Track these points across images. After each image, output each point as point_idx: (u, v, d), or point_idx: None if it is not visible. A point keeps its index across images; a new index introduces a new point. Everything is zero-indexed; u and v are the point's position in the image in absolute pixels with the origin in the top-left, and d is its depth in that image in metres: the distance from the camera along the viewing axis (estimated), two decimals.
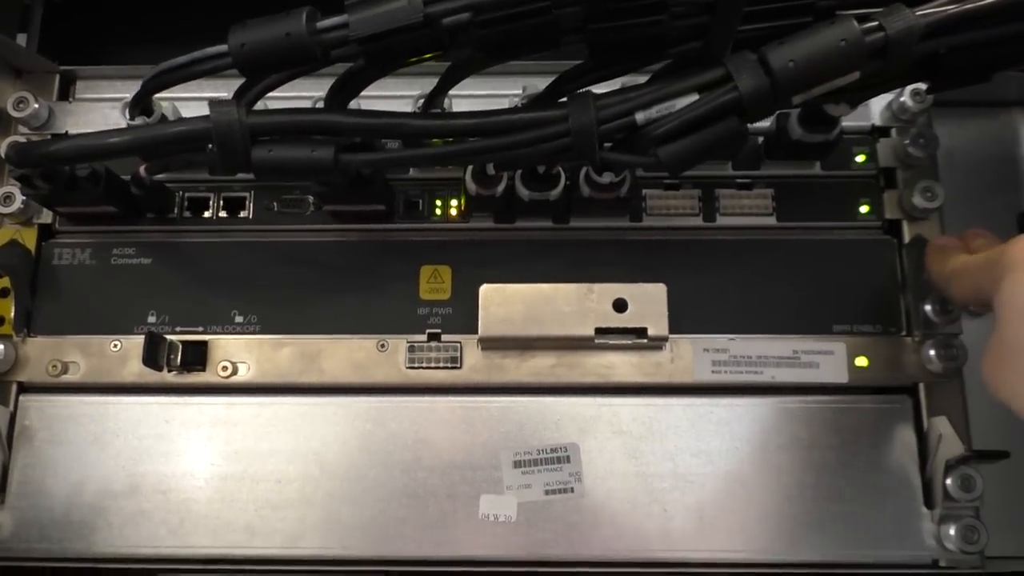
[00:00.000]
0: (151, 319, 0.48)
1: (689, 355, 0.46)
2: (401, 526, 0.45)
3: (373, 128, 0.39)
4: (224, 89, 0.47)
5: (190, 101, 0.49)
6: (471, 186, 0.46)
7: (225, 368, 0.47)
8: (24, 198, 0.48)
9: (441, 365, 0.46)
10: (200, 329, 0.48)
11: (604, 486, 0.45)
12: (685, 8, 0.35)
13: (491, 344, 0.46)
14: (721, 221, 0.49)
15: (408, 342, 0.47)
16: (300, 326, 0.47)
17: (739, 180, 0.49)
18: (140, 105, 0.44)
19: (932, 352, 0.45)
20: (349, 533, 0.45)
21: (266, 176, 0.39)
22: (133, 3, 0.57)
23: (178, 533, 0.45)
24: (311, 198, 0.49)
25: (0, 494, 0.46)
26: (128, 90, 0.48)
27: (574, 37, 0.36)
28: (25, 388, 0.48)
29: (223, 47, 0.36)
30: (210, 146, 0.38)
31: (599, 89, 0.38)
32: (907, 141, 0.48)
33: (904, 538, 0.44)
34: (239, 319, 0.48)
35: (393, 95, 0.47)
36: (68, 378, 0.47)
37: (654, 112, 0.36)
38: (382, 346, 0.47)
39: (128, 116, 0.45)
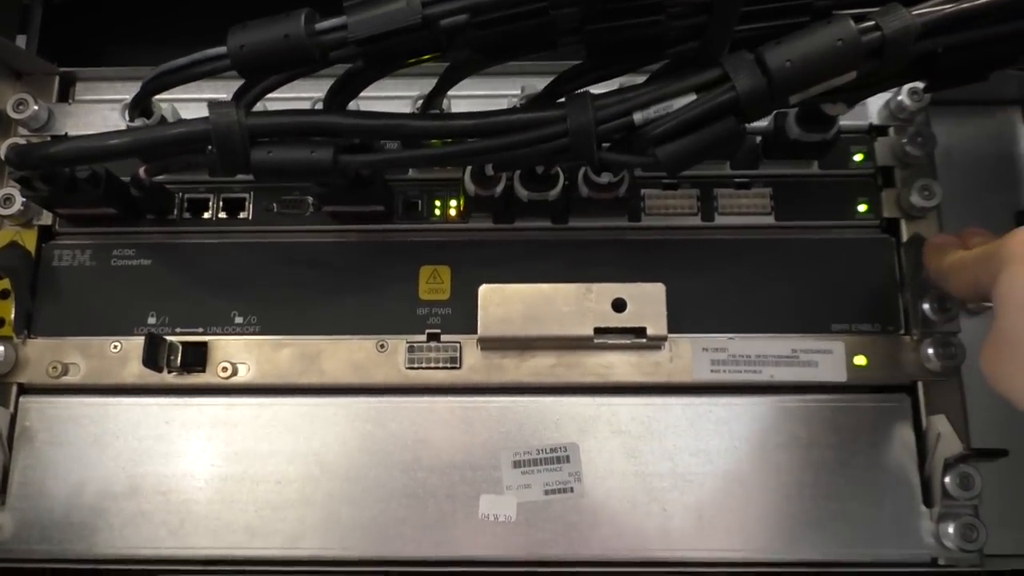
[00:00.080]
0: (151, 320, 0.48)
1: (688, 354, 0.46)
2: (401, 526, 0.45)
3: (372, 129, 0.39)
4: (224, 90, 0.47)
5: (190, 102, 0.49)
6: (470, 186, 0.46)
7: (225, 369, 0.47)
8: (24, 200, 0.48)
9: (440, 365, 0.46)
10: (200, 330, 0.48)
11: (603, 486, 0.45)
12: (682, 8, 0.35)
13: (490, 344, 0.46)
14: (719, 220, 0.49)
15: (408, 342, 0.47)
16: (300, 327, 0.48)
17: (737, 180, 0.49)
18: (140, 107, 0.45)
19: (931, 351, 0.46)
20: (349, 533, 0.45)
21: (265, 177, 0.40)
22: (132, 5, 0.57)
23: (178, 534, 0.45)
24: (310, 199, 0.49)
25: (0, 495, 0.46)
26: (127, 92, 0.48)
27: (572, 38, 0.37)
28: (25, 389, 0.48)
29: (222, 49, 0.36)
30: (210, 147, 0.39)
31: (597, 89, 0.38)
32: (905, 140, 0.48)
33: (903, 536, 0.44)
34: (239, 320, 0.48)
35: (392, 96, 0.47)
36: (68, 379, 0.47)
37: (652, 112, 0.36)
38: (382, 346, 0.47)
39: (128, 118, 0.45)
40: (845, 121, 0.47)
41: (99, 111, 0.52)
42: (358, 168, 0.40)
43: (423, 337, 0.47)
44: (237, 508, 0.45)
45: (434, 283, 0.48)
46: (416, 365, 0.47)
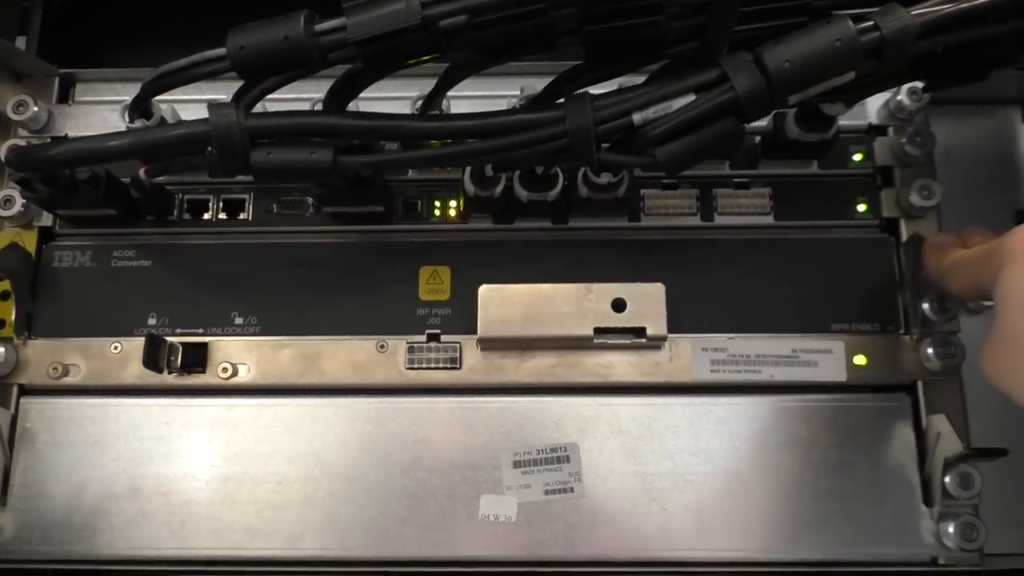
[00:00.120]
0: (151, 321, 0.48)
1: (688, 354, 0.46)
2: (401, 526, 0.45)
3: (372, 130, 0.39)
4: (223, 92, 0.47)
5: (189, 103, 0.49)
6: (470, 187, 0.46)
7: (225, 370, 0.47)
8: (24, 201, 0.48)
9: (441, 366, 0.47)
10: (200, 331, 0.48)
11: (604, 486, 0.45)
12: (681, 9, 0.35)
13: (490, 344, 0.46)
14: (719, 220, 0.49)
15: (408, 343, 0.47)
16: (300, 327, 0.48)
17: (736, 180, 0.49)
18: (139, 108, 0.45)
19: (930, 350, 0.46)
20: (349, 534, 0.45)
21: (265, 178, 0.40)
22: (132, 6, 0.57)
23: (179, 535, 0.45)
24: (310, 200, 0.49)
25: (1, 496, 0.46)
26: (127, 93, 0.48)
27: (571, 38, 0.37)
28: (26, 390, 0.48)
29: (222, 50, 0.36)
30: (209, 149, 0.39)
31: (596, 90, 0.38)
32: (904, 139, 0.48)
33: (903, 536, 0.44)
34: (239, 321, 0.48)
35: (391, 97, 0.47)
36: (69, 380, 0.47)
37: (651, 113, 0.36)
38: (382, 347, 0.47)
39: (128, 119, 0.45)
40: (844, 121, 0.48)
41: (99, 112, 0.52)
42: (358, 169, 0.40)
43: (423, 337, 0.47)
44: (238, 509, 0.45)
45: (434, 283, 0.48)
46: (416, 365, 0.47)
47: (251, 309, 0.48)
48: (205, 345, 0.47)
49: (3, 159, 0.48)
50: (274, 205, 0.50)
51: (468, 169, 0.46)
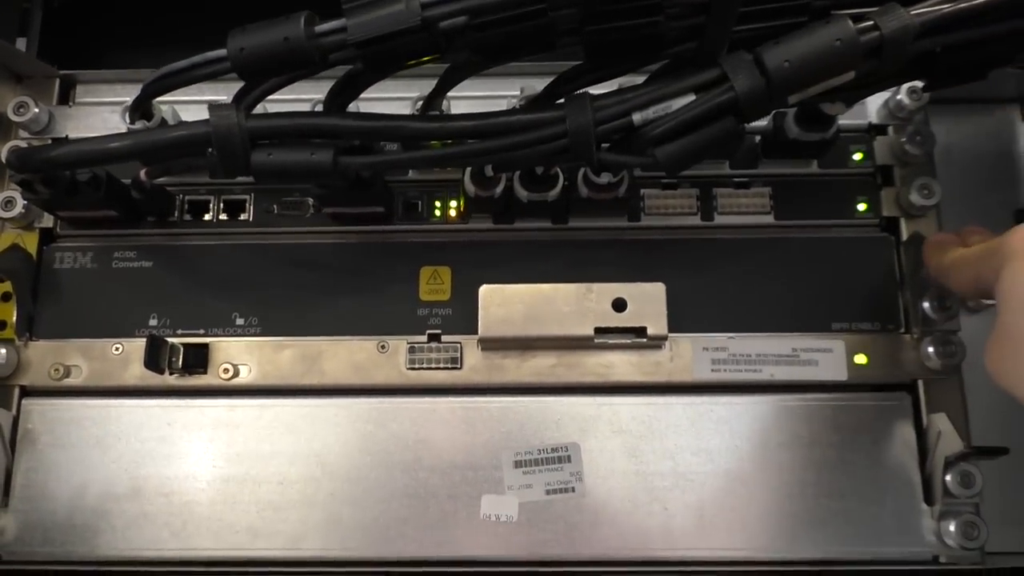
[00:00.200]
0: (152, 322, 0.48)
1: (688, 354, 0.46)
2: (402, 527, 0.45)
3: (372, 131, 0.39)
4: (224, 92, 0.47)
5: (190, 105, 0.49)
6: (470, 187, 0.46)
7: (226, 370, 0.47)
8: (25, 203, 0.49)
9: (441, 366, 0.47)
10: (201, 332, 0.48)
11: (605, 485, 0.45)
12: (681, 9, 0.35)
13: (491, 344, 0.46)
14: (719, 220, 0.49)
15: (408, 343, 0.47)
16: (301, 328, 0.48)
17: (736, 179, 0.50)
18: (140, 109, 0.45)
19: (931, 349, 0.46)
20: (351, 534, 0.45)
21: (266, 179, 0.40)
22: (132, 8, 0.58)
23: (181, 535, 0.45)
24: (311, 200, 0.49)
25: (3, 498, 0.46)
26: (128, 94, 0.48)
27: (571, 39, 0.37)
28: (27, 392, 0.48)
29: (222, 51, 0.36)
30: (210, 150, 0.39)
31: (596, 90, 0.38)
32: (904, 139, 0.48)
33: (904, 534, 0.44)
34: (240, 321, 0.48)
35: (391, 97, 0.47)
36: (70, 382, 0.47)
37: (651, 113, 0.36)
38: (382, 347, 0.47)
39: (128, 120, 0.45)
40: (844, 120, 0.48)
41: (100, 114, 0.52)
42: (358, 169, 0.40)
43: (424, 338, 0.47)
44: (239, 509, 0.45)
45: (434, 284, 0.48)
46: (417, 366, 0.47)
47: (252, 310, 0.48)
48: (206, 346, 0.47)
49: (4, 161, 0.48)
50: (275, 206, 0.50)
51: (468, 169, 0.46)
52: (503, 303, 0.45)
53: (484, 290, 0.45)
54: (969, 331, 0.46)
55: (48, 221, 0.50)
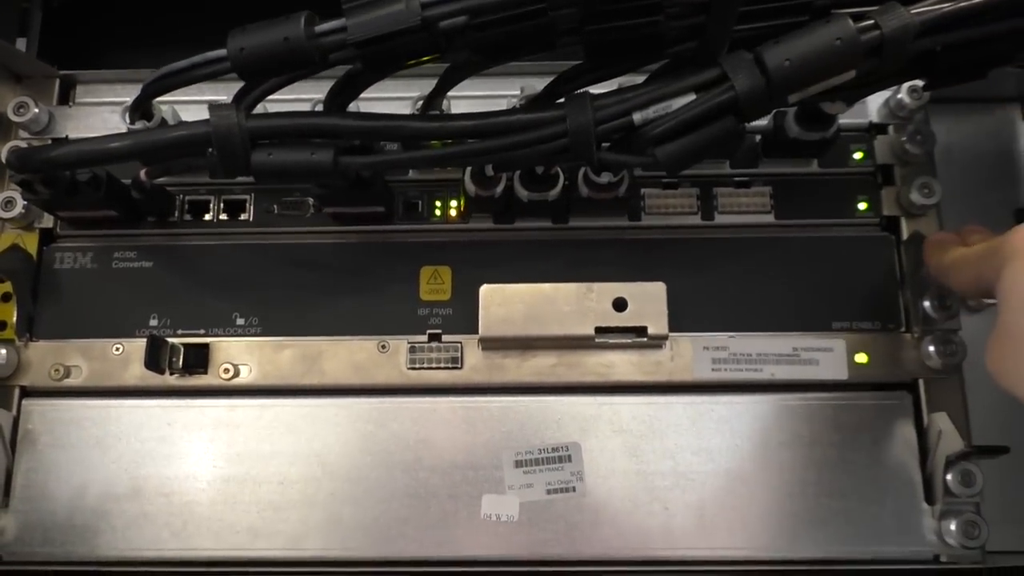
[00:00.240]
0: (153, 322, 0.48)
1: (689, 353, 0.46)
2: (403, 526, 0.45)
3: (372, 130, 0.39)
4: (224, 92, 0.47)
5: (190, 104, 0.49)
6: (470, 187, 0.46)
7: (227, 370, 0.47)
8: (25, 203, 0.48)
9: (442, 365, 0.47)
10: (201, 332, 0.48)
11: (605, 485, 0.45)
12: (681, 9, 0.35)
13: (492, 344, 0.46)
14: (719, 219, 0.49)
15: (409, 343, 0.47)
16: (301, 328, 0.48)
17: (737, 179, 0.49)
18: (140, 109, 0.45)
19: (931, 348, 0.46)
20: (351, 534, 0.45)
21: (266, 179, 0.40)
22: (132, 8, 0.57)
23: (181, 536, 0.45)
24: (311, 200, 0.49)
25: (3, 498, 0.46)
26: (128, 94, 0.48)
27: (571, 39, 0.37)
28: (27, 392, 0.48)
29: (222, 51, 0.36)
30: (210, 150, 0.39)
31: (596, 90, 0.38)
32: (904, 138, 0.48)
33: (905, 534, 0.44)
34: (240, 321, 0.48)
35: (392, 97, 0.47)
36: (70, 382, 0.47)
37: (651, 112, 0.36)
38: (383, 347, 0.47)
39: (128, 120, 0.45)
40: (844, 119, 0.48)
41: (99, 114, 0.52)
42: (358, 169, 0.40)
43: (424, 337, 0.47)
44: (239, 509, 0.45)
45: (435, 283, 0.48)
46: (417, 365, 0.47)
47: (252, 310, 0.48)
48: (206, 346, 0.47)
49: (4, 161, 0.48)
50: (275, 206, 0.50)
51: (468, 169, 0.46)
52: (503, 303, 0.45)
53: (484, 290, 0.45)
54: (970, 330, 0.46)
55: (48, 221, 0.50)
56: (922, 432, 0.45)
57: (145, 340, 0.45)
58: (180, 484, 0.46)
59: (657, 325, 0.44)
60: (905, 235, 0.48)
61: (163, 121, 0.47)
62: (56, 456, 0.46)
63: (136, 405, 0.47)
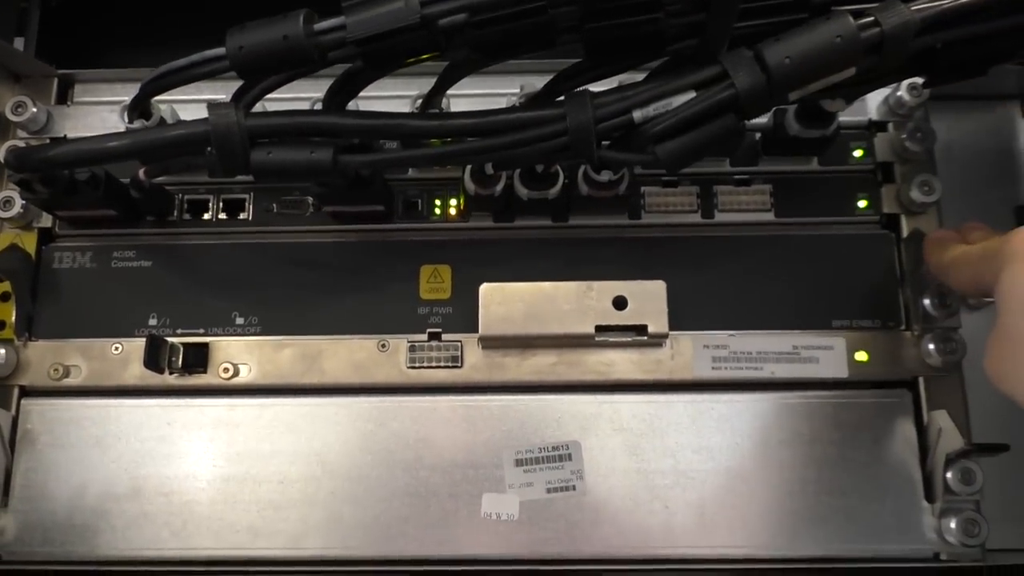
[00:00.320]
0: (152, 322, 0.48)
1: (689, 351, 0.46)
2: (403, 525, 0.45)
3: (371, 129, 0.39)
4: (223, 91, 0.47)
5: (189, 103, 0.49)
6: (470, 186, 0.46)
7: (226, 370, 0.47)
8: (24, 202, 0.48)
9: (442, 364, 0.46)
10: (201, 331, 0.48)
11: (606, 483, 0.45)
12: (681, 6, 0.35)
13: (492, 343, 0.46)
14: (720, 218, 0.49)
15: (409, 342, 0.47)
16: (301, 327, 0.48)
17: (737, 176, 0.49)
18: (139, 108, 0.44)
19: (931, 346, 0.46)
20: (351, 533, 0.45)
21: (265, 178, 0.40)
22: (130, 6, 0.57)
23: (181, 535, 0.45)
24: (310, 199, 0.49)
25: (3, 498, 0.46)
26: (126, 93, 0.48)
27: (570, 36, 0.36)
28: (27, 392, 0.48)
29: (221, 50, 0.36)
30: (209, 149, 0.38)
31: (596, 87, 0.38)
32: (904, 135, 0.48)
33: (905, 532, 0.44)
34: (240, 321, 0.48)
35: (391, 95, 0.47)
36: (70, 381, 0.47)
37: (651, 110, 0.36)
38: (383, 346, 0.47)
39: (127, 119, 0.45)
40: (844, 117, 0.48)
41: (98, 113, 0.52)
42: (358, 168, 0.40)
43: (424, 336, 0.47)
44: (239, 509, 0.45)
45: (435, 282, 0.48)
46: (417, 364, 0.47)
47: (252, 309, 0.48)
48: (206, 345, 0.47)
49: (2, 160, 0.48)
50: (274, 205, 0.50)
51: (468, 168, 0.46)
52: (503, 301, 0.45)
53: (484, 288, 0.45)
54: (970, 328, 0.46)
55: (47, 221, 0.50)
56: (922, 430, 0.45)
57: (144, 339, 0.45)
58: (180, 483, 0.46)
59: (657, 323, 0.44)
60: (905, 233, 0.48)
61: (162, 120, 0.47)
62: (56, 456, 0.46)
63: (136, 405, 0.47)
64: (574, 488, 0.45)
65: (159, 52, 0.39)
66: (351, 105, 0.41)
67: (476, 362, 0.46)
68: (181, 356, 0.46)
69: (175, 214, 0.50)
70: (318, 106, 0.45)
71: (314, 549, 0.45)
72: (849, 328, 0.47)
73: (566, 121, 0.36)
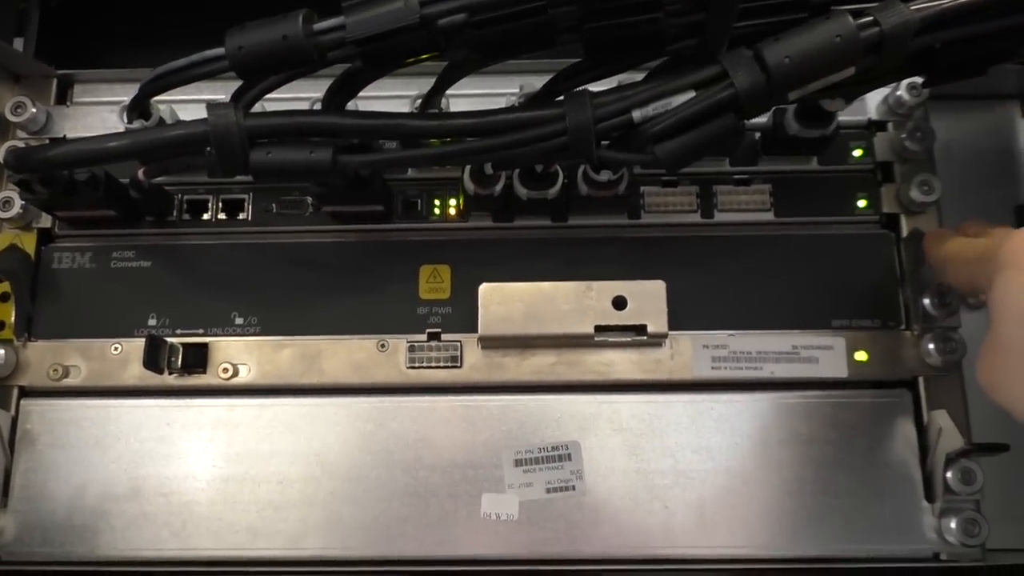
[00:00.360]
0: (151, 322, 0.48)
1: (688, 351, 0.46)
2: (403, 525, 0.45)
3: (371, 129, 0.39)
4: (222, 91, 0.47)
5: (188, 103, 0.49)
6: (469, 186, 0.46)
7: (226, 370, 0.47)
8: (23, 203, 0.48)
9: (441, 364, 0.46)
10: (200, 331, 0.48)
11: (605, 483, 0.45)
12: (680, 6, 0.35)
13: (491, 343, 0.46)
14: (719, 217, 0.49)
15: (408, 342, 0.47)
16: (300, 327, 0.48)
17: (736, 176, 0.49)
18: (138, 108, 0.44)
19: (931, 346, 0.46)
20: (351, 533, 0.45)
21: (265, 178, 0.40)
22: (130, 7, 0.57)
23: (180, 536, 0.45)
24: (310, 199, 0.49)
25: (2, 498, 0.46)
26: (126, 93, 0.48)
27: (570, 36, 0.36)
28: (26, 392, 0.48)
29: (220, 50, 0.36)
30: (208, 149, 0.38)
31: (596, 87, 0.38)
32: (904, 135, 0.48)
33: (905, 532, 0.44)
34: (239, 321, 0.48)
35: (390, 95, 0.47)
36: (69, 382, 0.47)
37: (651, 110, 0.36)
38: (382, 346, 0.47)
39: (126, 119, 0.45)
40: (844, 117, 0.48)
41: (97, 113, 0.52)
42: (357, 168, 0.40)
43: (424, 336, 0.47)
44: (239, 509, 0.45)
45: (434, 282, 0.48)
46: (417, 364, 0.47)
47: (251, 309, 0.48)
48: (205, 345, 0.47)
49: (2, 161, 0.48)
50: (274, 205, 0.50)
51: (468, 167, 0.46)
52: (503, 301, 0.45)
53: (484, 288, 0.45)
54: (970, 328, 0.46)
55: (46, 221, 0.50)
56: (922, 430, 0.45)
57: (144, 340, 0.45)
58: (179, 484, 0.46)
59: (657, 323, 0.44)
60: (905, 232, 0.48)
61: (161, 120, 0.47)
62: (55, 456, 0.46)
63: (135, 405, 0.47)
64: (573, 488, 0.45)
65: (158, 52, 0.39)
66: (350, 105, 0.41)
67: (475, 362, 0.46)
68: (180, 356, 0.46)
69: (174, 214, 0.50)
70: (317, 106, 0.45)
71: (313, 549, 0.45)
72: (849, 328, 0.47)
73: (565, 121, 0.36)
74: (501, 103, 0.47)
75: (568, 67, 0.40)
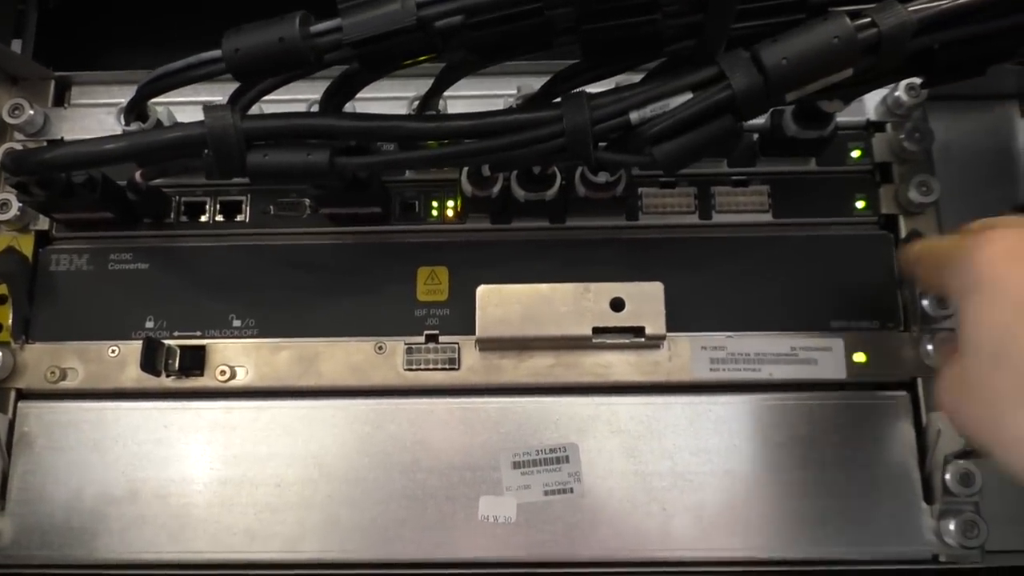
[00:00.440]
0: (149, 324, 0.48)
1: (687, 353, 0.46)
2: (400, 528, 0.45)
3: (368, 131, 0.39)
4: (219, 93, 0.47)
5: (186, 106, 0.49)
6: (467, 187, 0.46)
7: (223, 372, 0.47)
8: (21, 205, 0.48)
9: (439, 366, 0.46)
10: (198, 333, 0.48)
11: (603, 486, 0.45)
12: (678, 7, 0.35)
13: (489, 345, 0.46)
14: (717, 219, 0.49)
15: (406, 344, 0.47)
16: (298, 329, 0.47)
17: (734, 177, 0.49)
18: (135, 110, 0.44)
19: (930, 347, 0.45)
20: (349, 536, 0.45)
21: (262, 180, 0.39)
22: (127, 9, 0.57)
23: (178, 538, 0.45)
24: (307, 201, 0.49)
25: (0, 501, 0.46)
26: (123, 95, 0.48)
27: (567, 38, 0.36)
28: (24, 395, 0.48)
29: (217, 52, 0.36)
30: (206, 151, 0.38)
31: (593, 89, 0.38)
32: (902, 136, 0.48)
33: (904, 533, 0.44)
34: (237, 323, 0.48)
35: (388, 97, 0.47)
36: (67, 384, 0.47)
37: (648, 111, 0.36)
38: (380, 348, 0.47)
39: (123, 122, 0.45)
40: (842, 118, 0.48)
41: (95, 115, 0.52)
42: (355, 170, 0.40)
43: (421, 338, 0.47)
44: (236, 511, 0.45)
45: (432, 284, 0.48)
46: (414, 366, 0.46)
47: (249, 311, 0.48)
48: (203, 348, 0.47)
49: None
50: (271, 207, 0.50)
51: (465, 169, 0.46)
52: (501, 303, 0.44)
53: (482, 290, 0.45)
54: None
55: (44, 223, 0.50)
56: (921, 431, 0.45)
57: (141, 342, 0.44)
58: (177, 486, 0.46)
59: (655, 325, 0.44)
60: (903, 233, 0.48)
61: (158, 122, 0.47)
62: (53, 459, 0.46)
63: (133, 407, 0.47)
64: (572, 490, 0.45)
65: (156, 54, 0.39)
66: (348, 107, 0.41)
67: (473, 364, 0.46)
68: (178, 358, 0.46)
69: (172, 216, 0.50)
70: (315, 108, 0.45)
71: (311, 552, 0.45)
72: (847, 329, 0.47)
73: (563, 123, 0.36)
74: (499, 105, 0.47)
75: (566, 68, 0.40)
